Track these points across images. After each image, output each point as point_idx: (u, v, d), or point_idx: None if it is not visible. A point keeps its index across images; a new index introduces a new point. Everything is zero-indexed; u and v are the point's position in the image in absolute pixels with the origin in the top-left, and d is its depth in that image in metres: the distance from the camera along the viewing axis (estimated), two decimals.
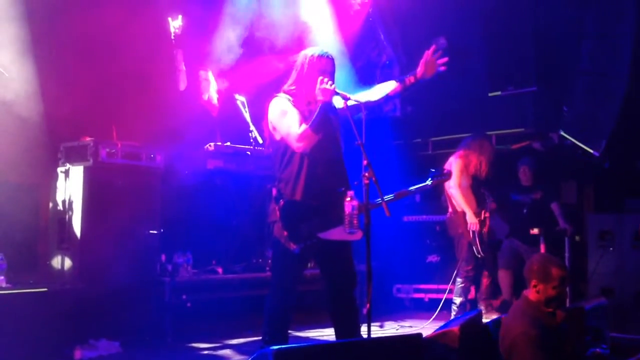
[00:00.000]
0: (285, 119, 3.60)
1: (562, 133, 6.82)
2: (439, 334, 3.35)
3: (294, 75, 3.72)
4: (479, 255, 5.79)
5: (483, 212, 5.90)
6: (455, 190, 5.84)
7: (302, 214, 3.53)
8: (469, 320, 3.60)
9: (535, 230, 6.37)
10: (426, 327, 5.73)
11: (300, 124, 3.56)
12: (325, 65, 3.66)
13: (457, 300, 5.80)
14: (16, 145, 5.48)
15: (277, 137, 3.67)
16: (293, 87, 3.71)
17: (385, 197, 3.51)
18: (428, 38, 7.76)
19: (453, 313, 5.78)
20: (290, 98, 3.68)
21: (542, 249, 6.31)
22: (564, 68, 6.95)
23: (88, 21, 5.83)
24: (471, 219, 5.78)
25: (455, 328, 3.32)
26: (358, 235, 3.57)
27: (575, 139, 6.71)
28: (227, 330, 5.45)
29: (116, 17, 6.19)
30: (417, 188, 4.15)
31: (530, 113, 7.12)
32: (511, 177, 6.98)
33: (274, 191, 3.60)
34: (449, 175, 4.34)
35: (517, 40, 7.22)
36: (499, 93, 7.32)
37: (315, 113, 3.52)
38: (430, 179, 4.31)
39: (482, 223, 5.84)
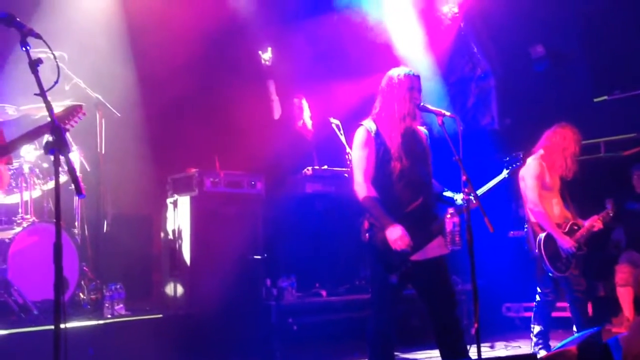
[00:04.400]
0: (357, 158, 3.61)
1: None
2: (555, 354, 3.19)
3: (379, 99, 3.70)
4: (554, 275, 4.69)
5: (570, 223, 4.81)
6: (530, 194, 4.68)
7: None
8: (588, 338, 3.39)
9: None
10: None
11: (366, 169, 3.54)
12: (411, 82, 3.61)
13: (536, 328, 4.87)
14: (129, 180, 5.88)
15: None
16: (378, 111, 3.69)
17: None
18: (524, 46, 7.57)
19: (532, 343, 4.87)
20: (374, 126, 3.63)
21: None
22: None
23: (188, 62, 6.16)
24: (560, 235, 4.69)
25: (572, 347, 3.15)
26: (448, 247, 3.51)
27: None
28: (333, 352, 5.45)
29: (213, 54, 6.53)
30: (494, 184, 3.92)
31: None
32: (625, 186, 6.57)
33: (366, 224, 3.57)
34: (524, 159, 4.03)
35: (622, 41, 6.85)
36: (605, 98, 6.97)
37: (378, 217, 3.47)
38: (505, 169, 4.01)
39: (570, 234, 4.76)
